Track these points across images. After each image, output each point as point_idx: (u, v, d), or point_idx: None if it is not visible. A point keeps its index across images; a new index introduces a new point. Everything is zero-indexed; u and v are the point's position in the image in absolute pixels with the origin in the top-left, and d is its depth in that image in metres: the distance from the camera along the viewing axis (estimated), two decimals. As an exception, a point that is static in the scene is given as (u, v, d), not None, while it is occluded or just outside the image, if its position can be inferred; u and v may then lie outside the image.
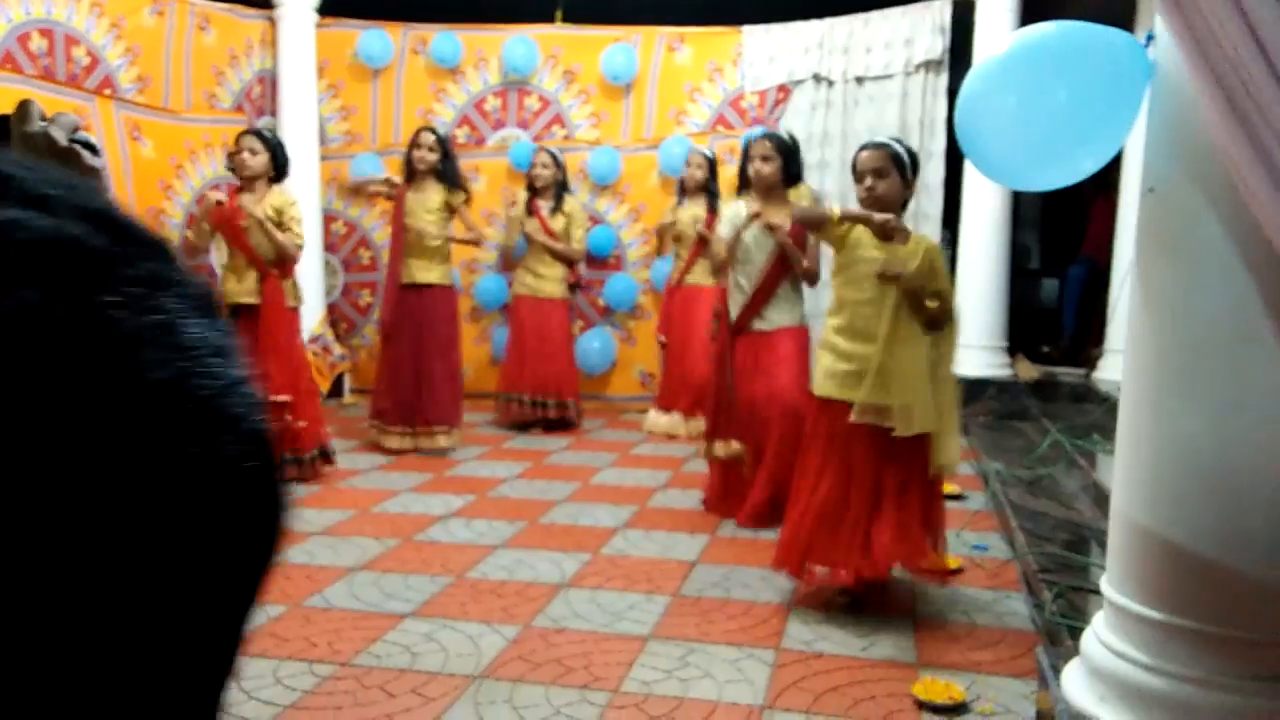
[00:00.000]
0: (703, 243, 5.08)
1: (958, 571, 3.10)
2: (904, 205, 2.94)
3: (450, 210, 4.97)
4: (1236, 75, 1.45)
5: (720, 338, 3.95)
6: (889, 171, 2.87)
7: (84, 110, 5.05)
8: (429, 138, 4.92)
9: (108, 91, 5.24)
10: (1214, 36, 1.46)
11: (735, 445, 3.87)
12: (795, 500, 3.00)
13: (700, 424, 4.60)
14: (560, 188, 5.59)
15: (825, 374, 2.94)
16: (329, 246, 6.44)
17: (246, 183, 4.30)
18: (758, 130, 4.96)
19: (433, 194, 4.92)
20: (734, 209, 3.92)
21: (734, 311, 3.87)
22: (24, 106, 1.01)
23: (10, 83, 4.63)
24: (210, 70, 5.87)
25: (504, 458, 4.99)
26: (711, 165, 5.46)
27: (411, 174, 4.92)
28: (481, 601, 3.02)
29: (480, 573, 3.28)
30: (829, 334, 2.97)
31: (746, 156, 4.62)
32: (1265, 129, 1.44)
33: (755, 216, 3.73)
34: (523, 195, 5.70)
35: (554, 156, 5.62)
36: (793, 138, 4.02)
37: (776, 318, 3.83)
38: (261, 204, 4.22)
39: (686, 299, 5.27)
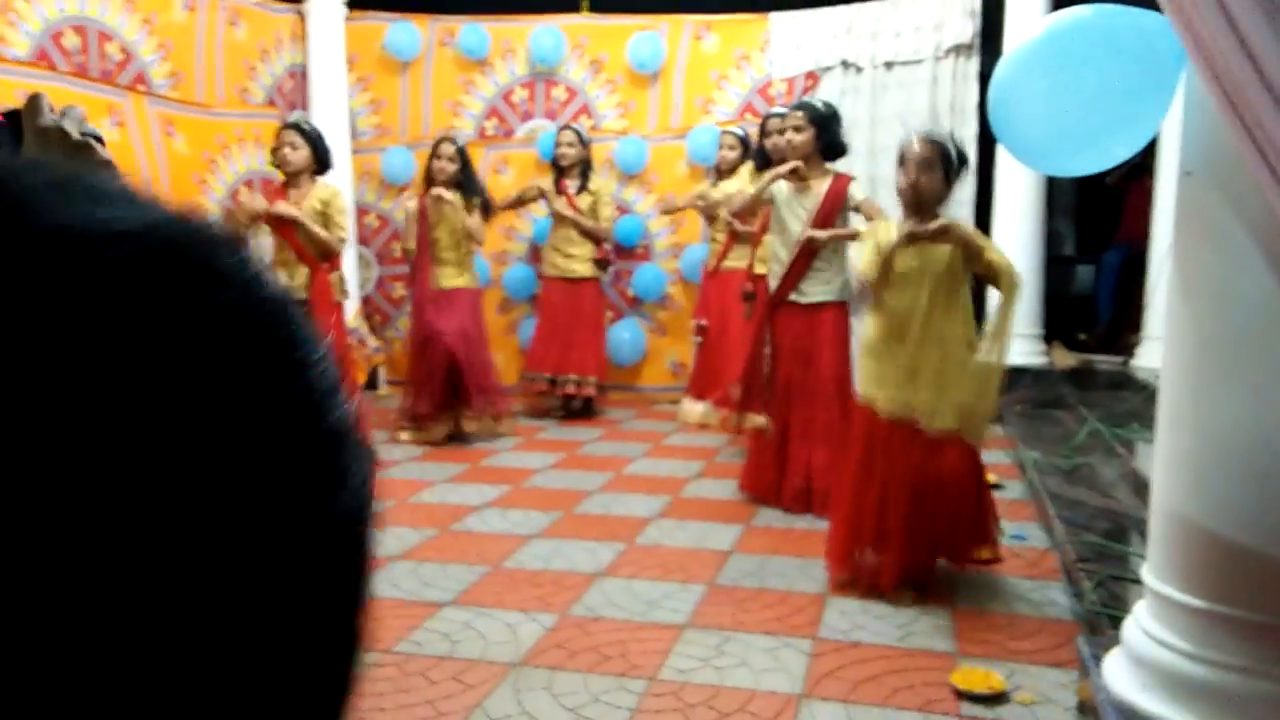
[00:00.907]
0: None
1: (996, 560, 3.10)
2: (942, 201, 2.90)
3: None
4: (1229, 79, 1.42)
5: (756, 311, 3.96)
6: (935, 166, 2.85)
7: (118, 106, 5.11)
8: (449, 149, 4.94)
9: (141, 87, 5.30)
10: (1206, 39, 1.44)
11: (761, 419, 3.88)
12: (841, 500, 3.02)
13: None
14: (586, 166, 5.59)
15: (868, 378, 2.94)
16: (362, 240, 6.49)
17: (290, 178, 4.33)
18: (777, 109, 4.90)
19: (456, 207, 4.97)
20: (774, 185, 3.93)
21: (772, 284, 3.88)
22: (34, 101, 1.01)
23: (45, 80, 4.69)
24: (242, 65, 5.92)
25: (537, 448, 5.02)
26: (745, 144, 5.38)
27: (431, 183, 4.95)
28: (518, 590, 3.04)
29: (516, 562, 3.31)
30: (869, 336, 2.97)
31: (764, 133, 4.62)
32: (1260, 134, 1.41)
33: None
34: (547, 180, 5.70)
35: (579, 134, 5.61)
36: (829, 106, 3.95)
37: (815, 291, 3.80)
38: (307, 199, 4.24)
39: (724, 284, 5.21)
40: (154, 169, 5.28)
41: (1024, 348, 5.41)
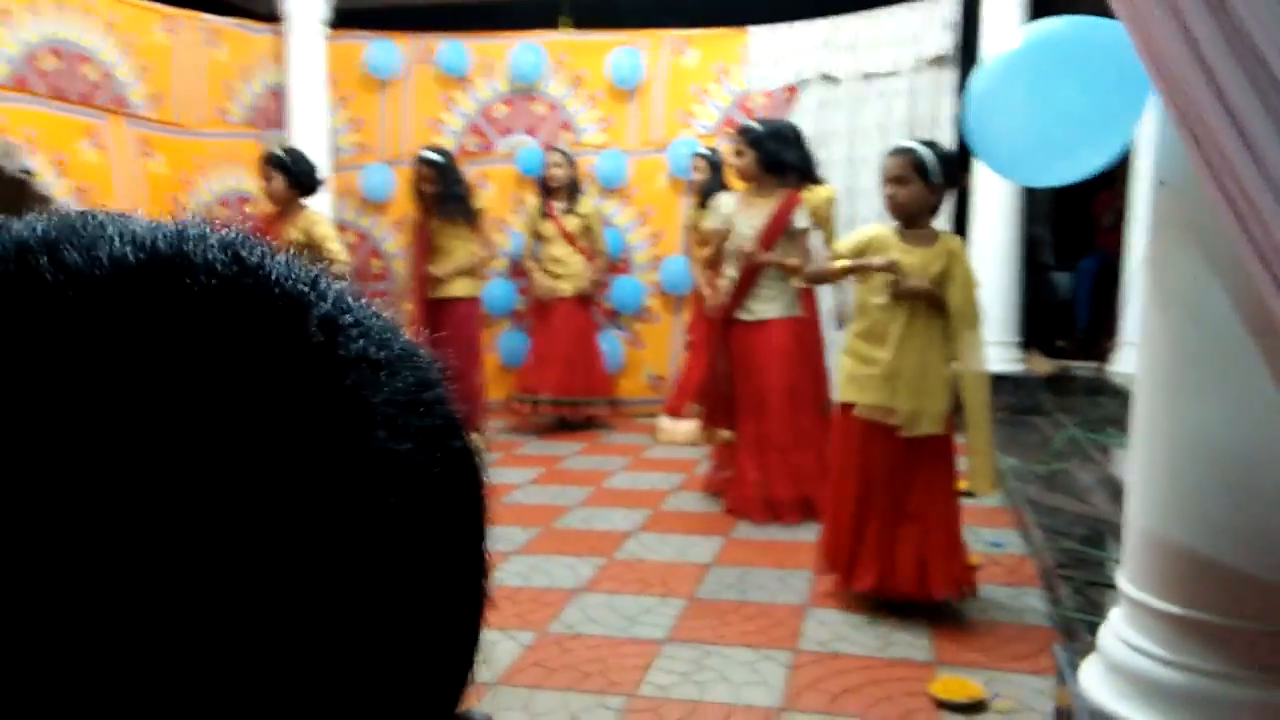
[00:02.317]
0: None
1: (976, 569, 3.09)
2: (934, 210, 2.91)
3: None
4: (1188, 96, 1.43)
5: (711, 328, 4.05)
6: (910, 179, 2.84)
7: (96, 128, 5.10)
8: (425, 170, 4.97)
9: (120, 109, 5.29)
10: (1164, 54, 1.44)
11: (726, 434, 3.97)
12: (826, 505, 3.06)
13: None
14: (574, 187, 5.59)
15: (847, 379, 2.95)
16: (341, 257, 6.47)
17: (280, 209, 4.35)
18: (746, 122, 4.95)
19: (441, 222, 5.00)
20: (723, 201, 4.04)
21: (724, 300, 3.97)
22: None
23: (24, 103, 4.68)
24: (221, 85, 5.91)
25: (517, 463, 5.00)
26: (714, 165, 5.30)
27: (422, 199, 5.01)
28: (496, 608, 2.98)
29: (495, 579, 3.27)
30: (851, 339, 2.99)
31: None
32: (1212, 150, 1.42)
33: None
34: (533, 199, 5.69)
35: (567, 155, 5.60)
36: (769, 124, 4.02)
37: (760, 309, 3.88)
38: (285, 232, 4.24)
39: None
40: (132, 190, 5.26)
41: (1002, 354, 5.43)
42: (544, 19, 6.40)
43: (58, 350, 0.25)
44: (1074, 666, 2.07)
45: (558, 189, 5.54)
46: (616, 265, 6.26)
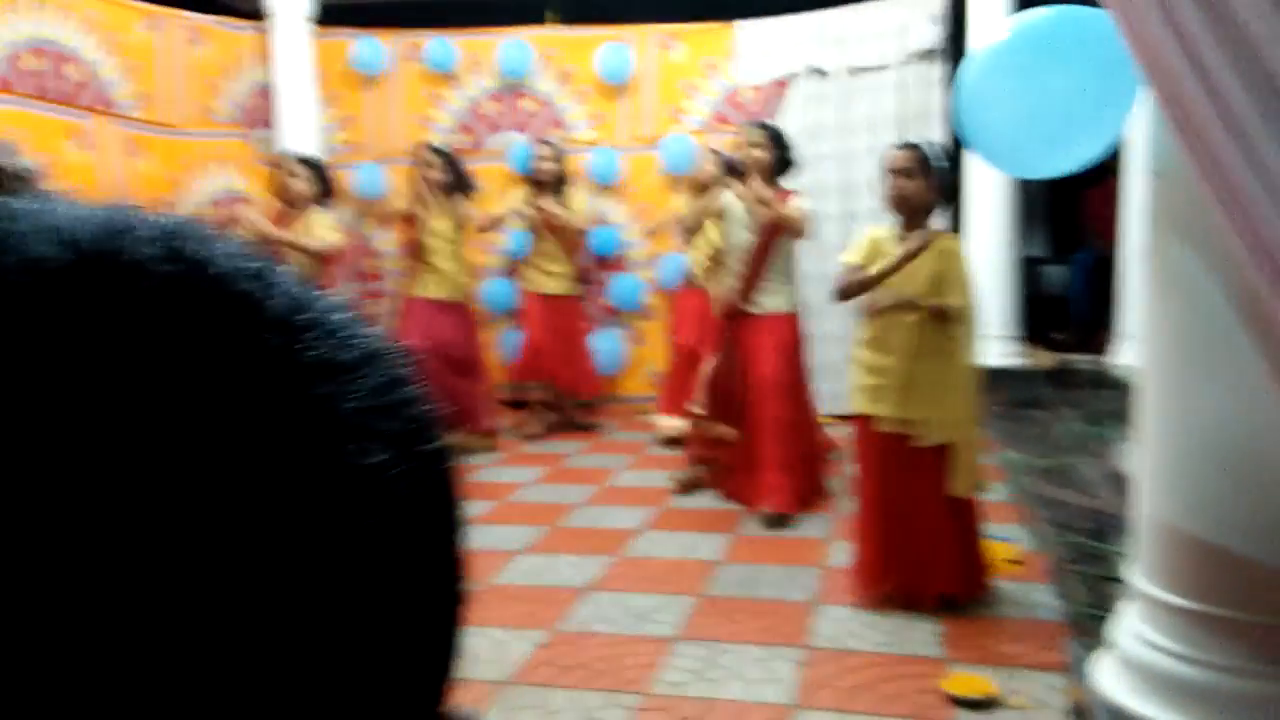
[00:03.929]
0: None
1: (1018, 563, 3.20)
2: (931, 209, 2.90)
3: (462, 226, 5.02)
4: (1176, 88, 1.44)
5: (713, 325, 4.10)
6: (916, 173, 2.85)
7: (82, 128, 5.04)
8: (430, 155, 4.95)
9: (105, 109, 5.22)
10: (1153, 47, 1.45)
11: (728, 431, 4.02)
12: (856, 523, 3.05)
13: None
14: (562, 181, 5.50)
15: (856, 389, 2.94)
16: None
17: (290, 205, 4.32)
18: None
19: (443, 214, 4.96)
20: (728, 198, 4.08)
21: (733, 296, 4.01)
22: None
23: (7, 104, 4.62)
24: (207, 84, 5.85)
25: (522, 462, 4.99)
26: (729, 167, 5.20)
27: (421, 194, 4.96)
28: (507, 607, 3.02)
29: (504, 578, 3.29)
30: (858, 348, 2.97)
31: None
32: (1199, 141, 1.43)
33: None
34: (520, 192, 5.62)
35: (556, 148, 5.52)
36: (785, 132, 4.12)
37: (765, 301, 3.95)
38: (308, 230, 4.28)
39: (703, 298, 5.10)
40: (120, 191, 5.20)
41: (1002, 349, 5.46)
42: (531, 14, 6.37)
43: None
44: (1087, 663, 2.10)
45: (546, 183, 5.46)
46: (613, 262, 6.25)
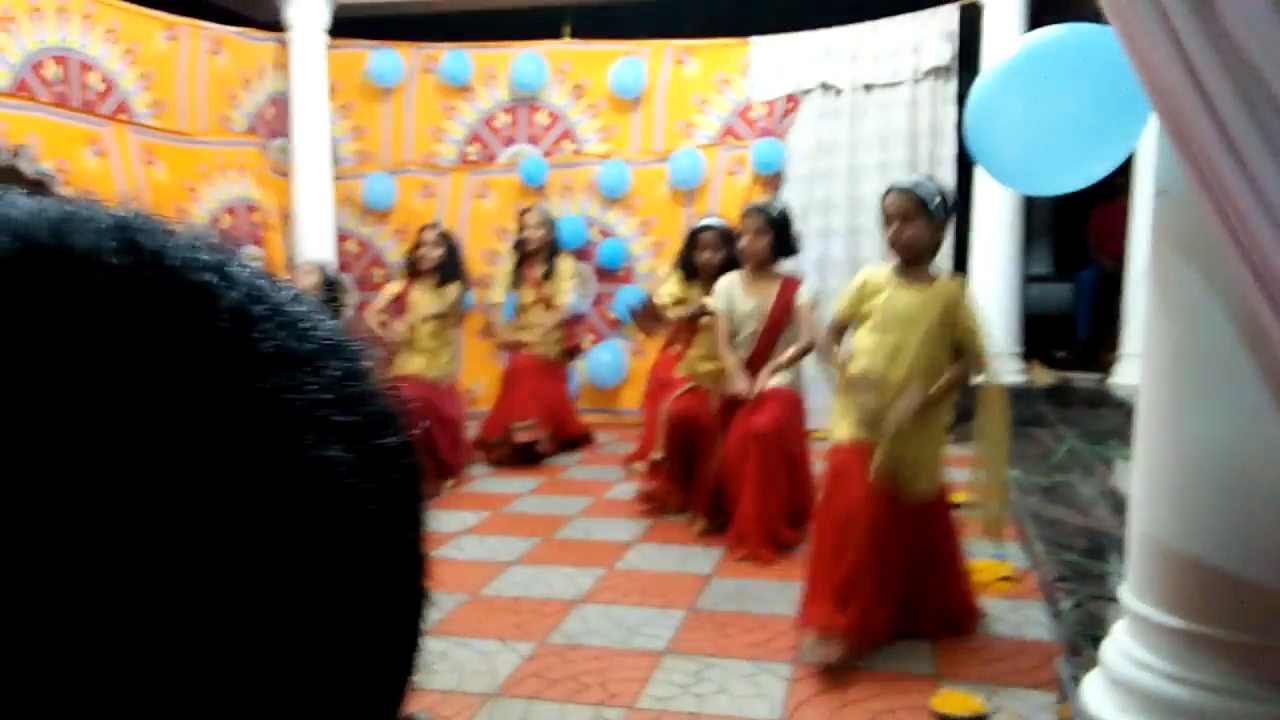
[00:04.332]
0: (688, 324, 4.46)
1: (1013, 579, 3.17)
2: (935, 249, 2.78)
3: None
4: (1174, 103, 1.42)
5: (710, 421, 3.88)
6: (916, 215, 2.72)
7: (99, 135, 5.10)
8: (432, 235, 4.83)
9: (123, 116, 5.29)
10: (1155, 66, 1.44)
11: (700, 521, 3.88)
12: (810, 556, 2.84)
13: None
14: (552, 249, 5.31)
15: (839, 418, 2.79)
16: (342, 266, 6.47)
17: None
18: (707, 220, 4.54)
19: (432, 295, 4.83)
20: (723, 282, 3.92)
21: (740, 382, 3.79)
22: None
23: (26, 110, 4.69)
24: (224, 93, 5.92)
25: (517, 473, 4.98)
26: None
27: (415, 270, 4.84)
28: (496, 618, 3.01)
29: (495, 589, 3.27)
30: (844, 383, 2.81)
31: (694, 245, 4.35)
32: (1202, 161, 1.41)
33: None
34: (501, 279, 5.44)
35: (545, 215, 5.36)
36: (780, 207, 3.94)
37: (773, 381, 3.76)
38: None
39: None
40: (135, 198, 5.25)
41: (1003, 365, 5.41)
42: (545, 29, 6.42)
43: None
44: (1076, 681, 2.06)
45: (534, 251, 5.27)
46: (618, 275, 6.26)
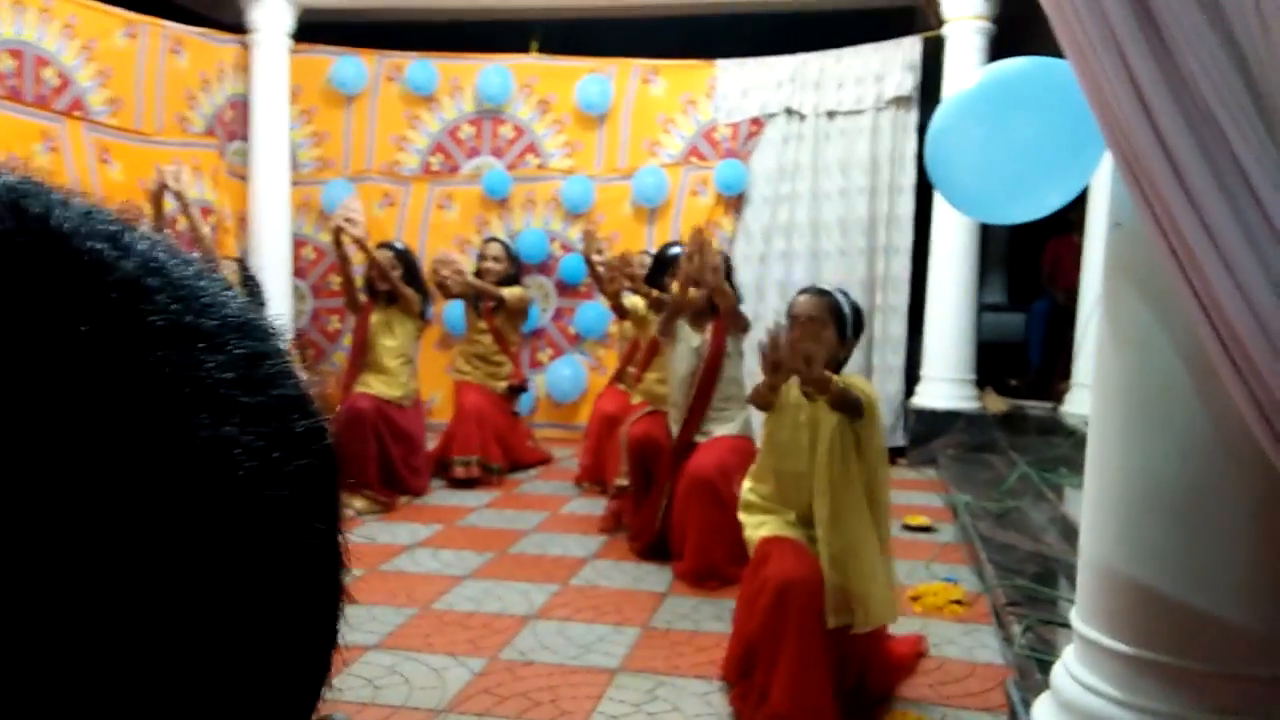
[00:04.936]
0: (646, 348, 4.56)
1: (965, 603, 3.18)
2: (839, 365, 2.55)
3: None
4: (1127, 137, 1.46)
5: (660, 463, 3.83)
6: (826, 324, 2.54)
7: (52, 131, 4.99)
8: (387, 255, 4.68)
9: (77, 113, 5.18)
10: (1106, 95, 1.48)
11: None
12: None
13: None
14: (510, 283, 5.23)
15: (752, 527, 2.60)
16: (298, 272, 6.39)
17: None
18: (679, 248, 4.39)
19: (396, 316, 4.73)
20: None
21: (674, 428, 3.79)
22: None
23: (-23, 103, 4.57)
24: (183, 93, 5.82)
25: (472, 488, 4.94)
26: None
27: (374, 288, 4.71)
28: (447, 633, 2.97)
29: (446, 604, 3.23)
30: (749, 497, 2.65)
31: (661, 263, 4.28)
32: (1152, 195, 1.45)
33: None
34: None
35: (506, 248, 5.31)
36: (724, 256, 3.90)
37: (718, 430, 3.72)
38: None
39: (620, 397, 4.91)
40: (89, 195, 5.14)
41: (957, 392, 5.51)
42: (513, 42, 6.41)
43: None
44: (1026, 704, 2.08)
45: (493, 284, 5.16)
46: (579, 290, 6.25)
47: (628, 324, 4.97)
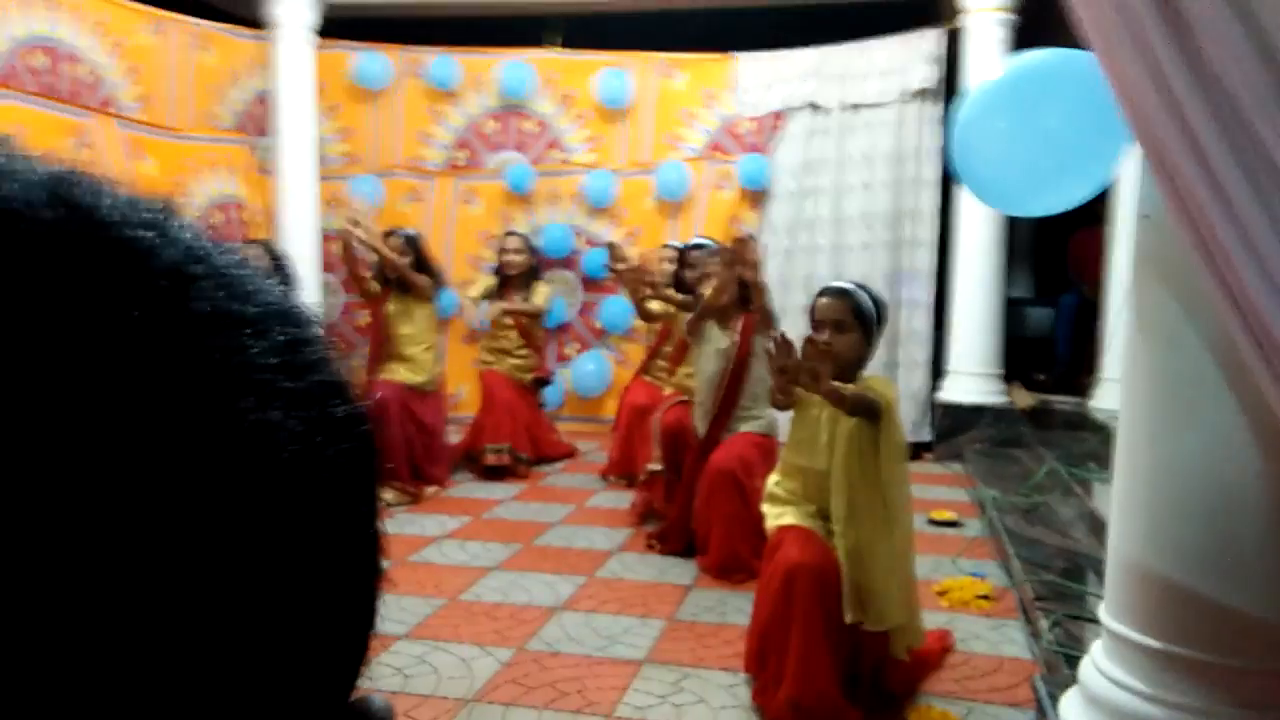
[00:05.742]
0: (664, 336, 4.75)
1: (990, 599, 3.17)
2: (862, 364, 2.55)
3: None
4: (1152, 129, 1.45)
5: (686, 461, 3.83)
6: (850, 326, 2.51)
7: (85, 128, 5.06)
8: (397, 241, 4.70)
9: (109, 110, 5.25)
10: (1131, 86, 1.47)
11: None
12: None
13: None
14: (533, 274, 5.27)
15: (773, 517, 2.60)
16: (327, 267, 6.44)
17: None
18: (697, 240, 4.52)
19: (412, 303, 4.76)
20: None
21: (700, 426, 3.79)
22: None
23: (12, 100, 4.64)
24: (210, 89, 5.88)
25: (503, 477, 4.97)
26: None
27: (386, 276, 4.73)
28: (475, 624, 3.00)
29: (474, 595, 3.26)
30: (774, 490, 2.65)
31: (685, 264, 4.30)
32: (1180, 187, 1.44)
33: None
34: (483, 282, 5.42)
35: (526, 240, 5.33)
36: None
37: (739, 427, 3.71)
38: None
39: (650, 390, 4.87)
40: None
41: (984, 387, 5.48)
42: (533, 36, 6.43)
43: None
44: (1054, 699, 2.08)
45: (514, 277, 5.20)
46: (603, 285, 6.27)
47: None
